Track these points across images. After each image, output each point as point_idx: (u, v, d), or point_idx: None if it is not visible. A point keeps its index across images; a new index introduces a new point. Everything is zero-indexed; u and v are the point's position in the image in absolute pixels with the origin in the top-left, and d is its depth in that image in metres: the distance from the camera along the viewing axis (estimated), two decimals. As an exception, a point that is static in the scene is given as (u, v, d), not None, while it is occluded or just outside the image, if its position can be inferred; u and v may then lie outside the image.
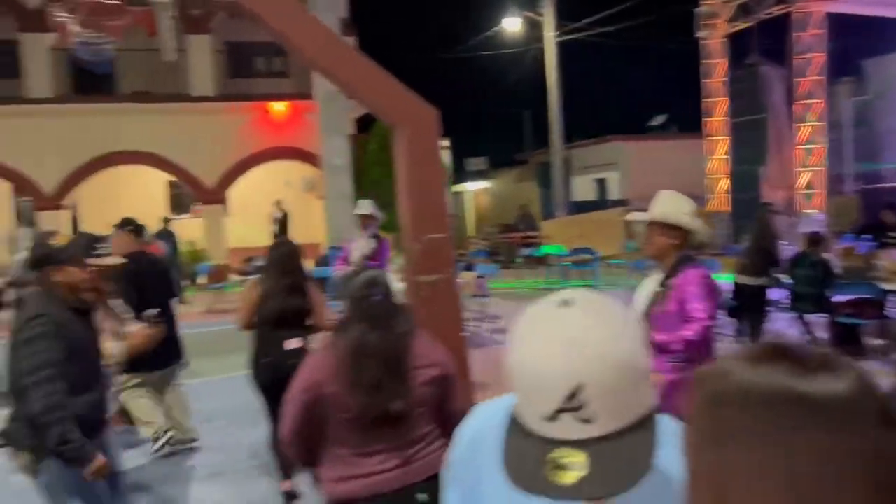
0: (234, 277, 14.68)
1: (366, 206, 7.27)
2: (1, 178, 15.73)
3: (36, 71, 16.35)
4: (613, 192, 22.94)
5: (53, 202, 16.45)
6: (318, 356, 2.41)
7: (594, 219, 18.20)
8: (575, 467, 0.82)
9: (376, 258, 7.06)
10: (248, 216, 18.55)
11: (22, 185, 16.52)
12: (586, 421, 0.83)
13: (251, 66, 19.28)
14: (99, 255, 3.39)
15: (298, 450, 2.38)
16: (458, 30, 34.91)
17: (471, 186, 27.56)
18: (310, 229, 17.47)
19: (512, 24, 21.97)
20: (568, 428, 0.83)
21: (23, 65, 16.26)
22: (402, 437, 2.33)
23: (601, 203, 21.86)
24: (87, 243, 3.42)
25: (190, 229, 17.34)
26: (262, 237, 18.52)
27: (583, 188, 24.13)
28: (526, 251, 16.04)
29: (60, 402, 2.78)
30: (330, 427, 2.32)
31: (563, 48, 21.07)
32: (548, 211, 21.89)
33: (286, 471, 4.37)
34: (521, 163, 28.27)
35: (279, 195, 18.50)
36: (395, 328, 2.36)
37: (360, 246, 7.17)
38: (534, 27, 21.58)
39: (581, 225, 17.86)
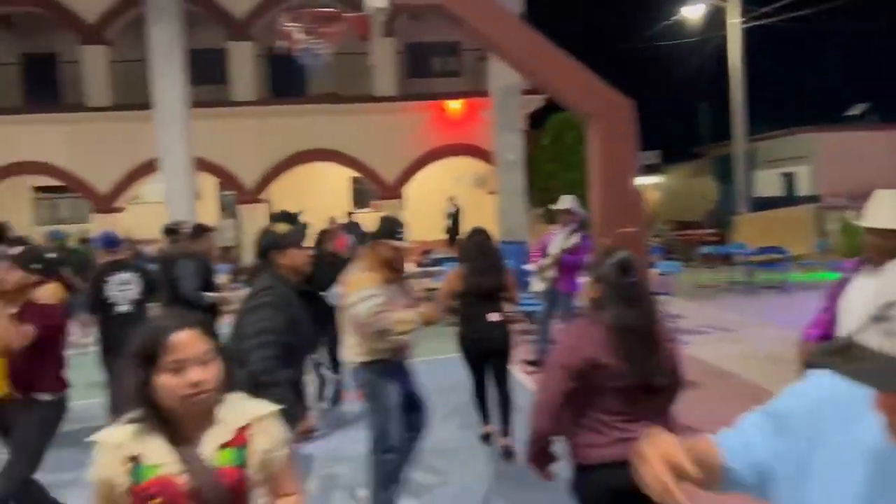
0: (412, 269, 15.31)
1: (566, 202, 7.32)
2: (209, 173, 17.43)
3: (240, 76, 17.99)
4: (803, 188, 21.34)
5: (253, 196, 18.04)
6: (577, 332, 2.59)
7: (782, 216, 17.04)
8: (847, 361, 0.92)
9: (576, 253, 7.04)
10: (422, 211, 19.28)
11: (227, 181, 18.27)
12: (887, 333, 0.90)
13: (428, 66, 19.96)
14: (401, 238, 3.87)
15: (553, 419, 2.53)
16: (632, 20, 33.94)
17: (640, 181, 26.76)
18: (480, 224, 17.81)
19: (692, 12, 21.04)
20: (872, 335, 0.92)
21: (229, 70, 17.95)
22: (657, 404, 2.57)
23: (789, 199, 20.41)
24: (391, 227, 3.90)
25: (369, 223, 18.29)
26: (435, 231, 19.19)
27: (767, 183, 22.65)
28: (707, 249, 15.33)
29: (274, 365, 3.11)
30: (597, 396, 2.49)
31: (748, 35, 19.89)
32: (726, 207, 20.78)
33: (486, 418, 5.31)
34: (697, 156, 27.01)
35: (451, 191, 19.04)
36: (649, 308, 2.59)
37: (558, 240, 7.21)
38: (716, 14, 20.55)
39: (767, 222, 16.80)
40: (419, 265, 14.89)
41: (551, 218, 14.71)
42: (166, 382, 1.67)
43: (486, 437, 5.34)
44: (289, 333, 3.29)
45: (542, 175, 16.36)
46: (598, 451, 2.49)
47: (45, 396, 3.88)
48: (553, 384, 2.50)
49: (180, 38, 14.05)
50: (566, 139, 15.87)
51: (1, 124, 17.11)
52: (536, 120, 18.48)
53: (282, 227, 3.98)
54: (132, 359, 1.73)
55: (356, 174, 19.04)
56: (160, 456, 1.71)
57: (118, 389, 6.08)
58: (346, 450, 5.27)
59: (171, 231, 7.61)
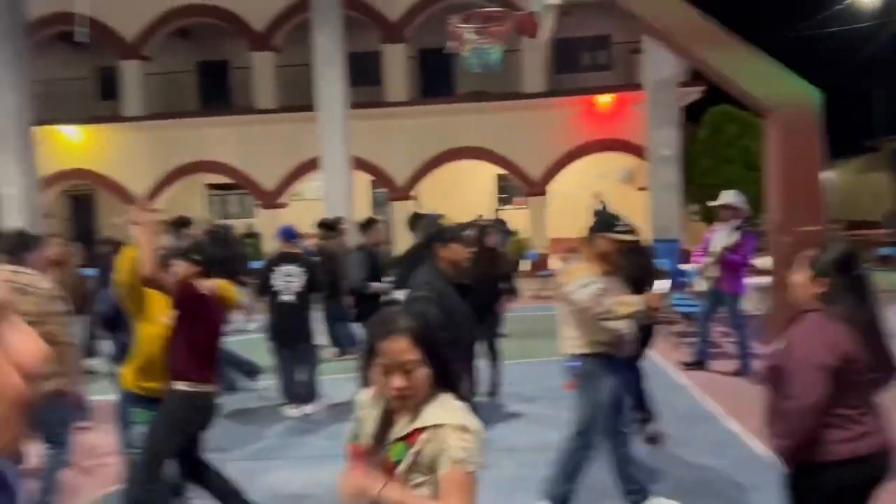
0: (557, 265, 15.20)
1: (728, 197, 7.08)
2: (364, 171, 18.14)
3: (393, 77, 18.59)
4: None
5: (403, 193, 18.62)
6: (821, 329, 2.48)
7: (974, 215, 15.31)
8: None
9: (738, 250, 6.81)
10: (567, 207, 19.03)
11: (380, 178, 18.97)
12: None
13: (577, 61, 19.67)
14: (618, 232, 3.95)
15: (818, 418, 2.48)
16: (800, 4, 31.67)
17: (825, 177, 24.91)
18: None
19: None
20: None
21: (384, 72, 18.60)
22: (874, 399, 2.59)
23: (982, 197, 18.29)
24: (608, 221, 4.00)
25: (514, 219, 18.33)
26: (580, 228, 18.91)
27: (955, 179, 20.42)
28: (884, 250, 14.10)
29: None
30: (843, 391, 2.47)
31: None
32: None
33: (645, 418, 5.29)
34: (871, 150, 24.81)
35: (597, 187, 18.66)
36: (874, 299, 2.56)
37: (720, 237, 6.97)
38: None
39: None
40: (564, 262, 14.75)
41: (707, 215, 14.07)
42: (377, 377, 1.83)
43: (651, 439, 5.26)
44: (445, 328, 3.38)
45: (698, 170, 15.68)
46: (847, 446, 2.48)
47: (181, 386, 3.68)
48: (815, 387, 2.43)
49: (341, 42, 14.76)
50: (725, 132, 15.11)
51: (179, 127, 18.74)
52: (692, 113, 17.74)
53: (447, 221, 4.11)
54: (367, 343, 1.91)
55: (502, 171, 19.13)
56: (368, 427, 1.89)
57: (287, 371, 6.50)
58: (505, 441, 5.34)
59: (328, 226, 8.04)
